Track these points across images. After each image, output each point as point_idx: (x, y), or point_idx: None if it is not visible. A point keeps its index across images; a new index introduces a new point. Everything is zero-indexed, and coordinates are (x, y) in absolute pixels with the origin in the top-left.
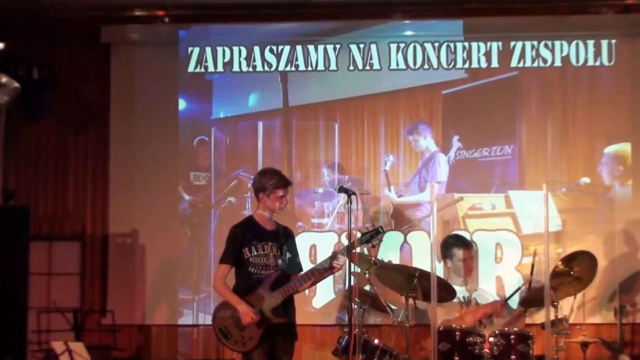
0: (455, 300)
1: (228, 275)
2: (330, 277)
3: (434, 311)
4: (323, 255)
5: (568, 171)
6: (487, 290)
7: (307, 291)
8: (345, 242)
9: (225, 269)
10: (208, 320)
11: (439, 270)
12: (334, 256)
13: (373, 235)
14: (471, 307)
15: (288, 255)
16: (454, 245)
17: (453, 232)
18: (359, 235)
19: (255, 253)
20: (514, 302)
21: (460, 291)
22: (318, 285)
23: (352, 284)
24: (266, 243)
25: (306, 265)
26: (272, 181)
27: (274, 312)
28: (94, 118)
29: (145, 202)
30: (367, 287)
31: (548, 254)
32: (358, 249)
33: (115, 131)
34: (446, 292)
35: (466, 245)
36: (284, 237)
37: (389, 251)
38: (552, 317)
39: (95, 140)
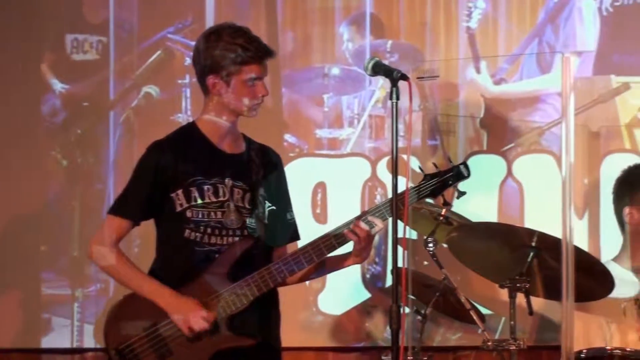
0: (622, 299)
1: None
2: None
3: (569, 319)
4: (341, 206)
5: None
6: None
7: (307, 282)
8: (385, 179)
9: (120, 225)
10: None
11: (581, 235)
12: (361, 215)
13: (447, 183)
14: None
15: (269, 207)
16: None
17: (636, 162)
18: (416, 168)
19: (200, 201)
20: None
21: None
22: None
23: (401, 265)
24: (222, 181)
25: (306, 230)
26: (233, 50)
27: (233, 323)
28: None
29: None
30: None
31: None
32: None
33: None
34: (596, 280)
35: None
36: (260, 170)
37: (478, 195)
38: None
39: None
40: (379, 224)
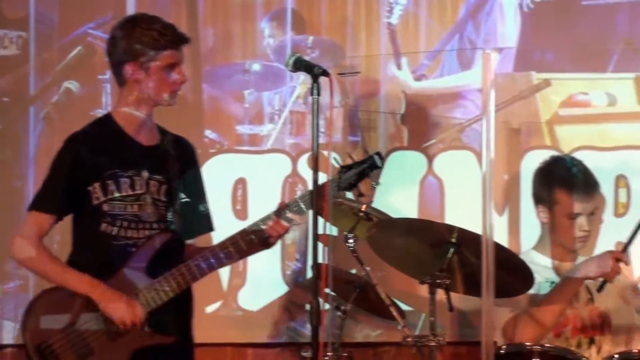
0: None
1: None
2: (275, 250)
3: (489, 315)
4: (261, 202)
5: None
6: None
7: (226, 269)
8: (306, 175)
9: (43, 221)
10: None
11: (501, 231)
12: (280, 210)
13: (362, 173)
14: (577, 304)
15: (182, 199)
16: (561, 181)
17: (557, 155)
18: (333, 162)
19: (118, 194)
20: None
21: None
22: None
23: (320, 261)
24: (138, 174)
25: (226, 226)
26: (149, 36)
27: (152, 321)
28: None
29: None
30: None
31: None
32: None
33: None
34: (516, 276)
35: (588, 185)
36: (175, 161)
37: (399, 191)
38: None
39: None
40: (297, 219)
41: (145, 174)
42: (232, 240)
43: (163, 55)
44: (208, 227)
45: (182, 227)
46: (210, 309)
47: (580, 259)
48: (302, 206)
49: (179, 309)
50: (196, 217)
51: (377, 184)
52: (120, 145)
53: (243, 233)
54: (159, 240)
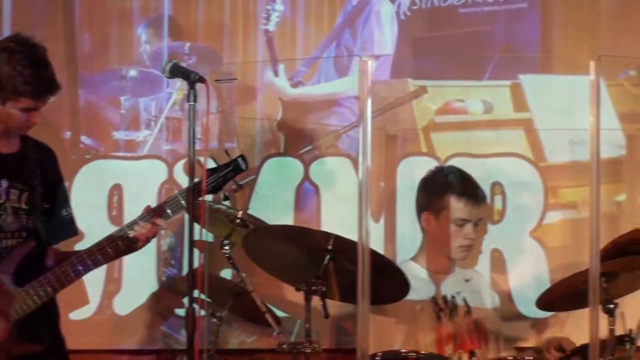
0: (418, 301)
1: None
2: (150, 256)
3: (364, 322)
4: (137, 208)
5: None
6: (484, 281)
7: (102, 275)
8: (182, 181)
9: None
10: None
11: (378, 238)
12: (145, 216)
13: (228, 176)
14: (456, 318)
15: (45, 204)
16: (452, 187)
17: (445, 165)
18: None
19: None
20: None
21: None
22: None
23: (196, 266)
24: None
25: (102, 232)
26: (14, 80)
27: (21, 329)
28: None
29: None
30: (229, 273)
31: (598, 202)
32: (210, 196)
33: None
34: (392, 283)
35: (478, 194)
36: (36, 168)
37: (275, 198)
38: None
39: None
40: (162, 224)
41: (4, 183)
42: (99, 247)
43: (21, 100)
44: (72, 231)
45: (45, 233)
46: (85, 315)
47: (458, 270)
48: (182, 202)
49: (45, 316)
50: (59, 222)
51: (240, 187)
52: None
53: (110, 239)
54: (22, 250)
